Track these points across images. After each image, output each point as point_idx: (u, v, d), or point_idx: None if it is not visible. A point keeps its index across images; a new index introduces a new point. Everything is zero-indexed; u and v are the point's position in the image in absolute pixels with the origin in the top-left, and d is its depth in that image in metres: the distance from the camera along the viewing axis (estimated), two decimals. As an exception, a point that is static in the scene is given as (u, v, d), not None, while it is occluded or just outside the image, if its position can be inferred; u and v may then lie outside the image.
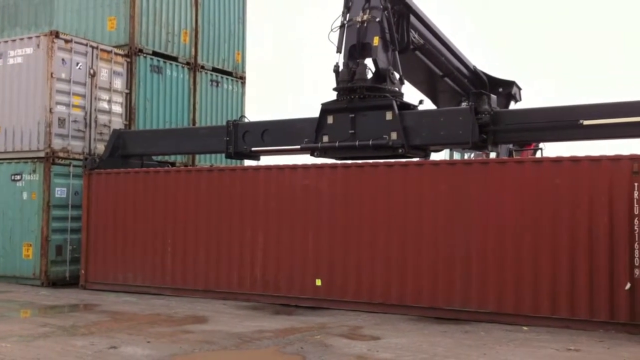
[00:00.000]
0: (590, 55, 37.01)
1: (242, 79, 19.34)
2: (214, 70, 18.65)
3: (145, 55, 16.96)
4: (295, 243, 12.72)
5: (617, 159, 10.44)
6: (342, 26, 12.73)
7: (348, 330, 10.20)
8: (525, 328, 10.40)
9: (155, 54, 17.20)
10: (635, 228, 10.08)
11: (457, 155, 17.79)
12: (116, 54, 16.29)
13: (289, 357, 8.53)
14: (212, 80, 18.53)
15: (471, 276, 11.21)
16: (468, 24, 41.51)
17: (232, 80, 19.09)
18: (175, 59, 17.69)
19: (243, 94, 19.24)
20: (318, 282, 12.40)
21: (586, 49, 39.46)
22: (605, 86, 35.14)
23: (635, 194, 10.12)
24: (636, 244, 10.05)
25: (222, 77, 18.84)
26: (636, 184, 10.12)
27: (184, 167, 16.71)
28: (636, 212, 10.09)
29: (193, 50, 18.12)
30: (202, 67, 18.28)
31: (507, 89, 14.97)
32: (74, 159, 15.45)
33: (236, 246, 13.29)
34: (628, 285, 10.09)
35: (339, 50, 12.67)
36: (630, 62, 38.18)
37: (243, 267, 13.19)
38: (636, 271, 10.03)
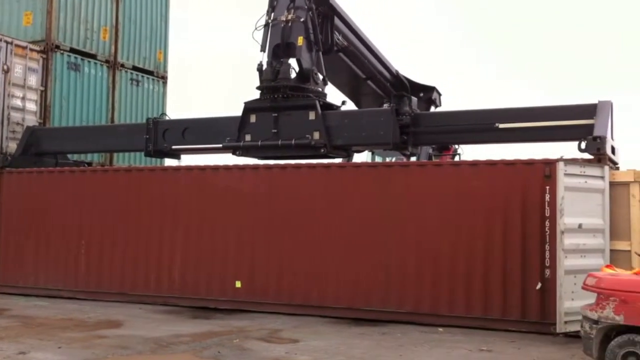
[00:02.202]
0: (588, 55, 37.97)
1: (164, 78, 18.96)
2: (135, 69, 18.22)
3: (62, 51, 16.43)
4: (215, 244, 12.53)
5: (530, 163, 10.75)
6: (266, 25, 12.65)
7: (267, 334, 10.12)
8: (440, 329, 10.56)
9: (73, 50, 16.69)
10: (547, 230, 10.38)
11: (378, 159, 17.99)
12: (31, 49, 15.67)
13: (206, 361, 8.38)
14: (132, 79, 18.09)
15: (390, 277, 11.32)
16: (466, 23, 42.27)
17: (153, 79, 18.68)
18: (94, 56, 17.19)
19: (164, 93, 18.86)
20: (238, 284, 12.26)
21: (583, 48, 40.39)
22: (603, 85, 36.28)
23: (547, 197, 10.42)
24: (547, 245, 10.35)
25: (142, 76, 18.41)
26: (548, 187, 10.42)
27: (100, 167, 16.26)
28: (547, 215, 10.39)
29: (113, 48, 17.65)
30: (122, 66, 17.82)
31: (428, 94, 15.22)
32: (-17, 157, 14.76)
33: (154, 248, 12.99)
34: (539, 285, 10.39)
35: (262, 49, 12.59)
36: (629, 62, 39.51)
37: (161, 270, 12.91)
38: (547, 271, 10.33)
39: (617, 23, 38.24)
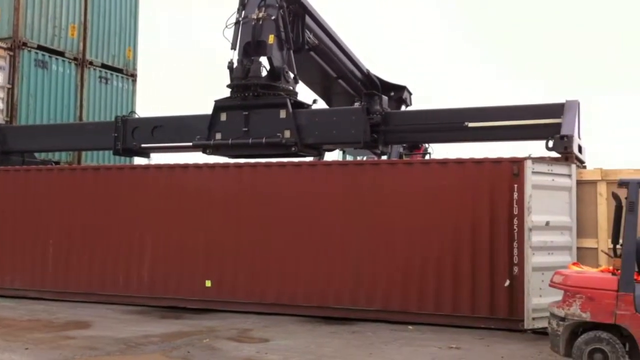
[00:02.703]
0: (587, 54, 38.13)
1: (134, 76, 18.75)
2: (104, 66, 17.99)
3: (29, 49, 16.18)
4: (185, 243, 12.44)
5: (499, 162, 10.85)
6: (237, 23, 12.61)
7: (237, 333, 10.07)
8: (410, 327, 10.61)
9: (40, 48, 16.43)
10: (515, 227, 10.48)
11: (349, 157, 18.03)
12: (-2, 47, 15.41)
13: (175, 362, 8.31)
14: (101, 77, 17.87)
15: (361, 275, 11.34)
16: (466, 22, 42.27)
17: (122, 77, 18.47)
18: (62, 54, 16.94)
19: (134, 91, 18.65)
20: (208, 283, 12.18)
21: (582, 48, 40.57)
22: (604, 85, 36.55)
23: (515, 195, 10.53)
24: (515, 243, 10.45)
25: (111, 74, 18.19)
26: (516, 186, 10.52)
27: (68, 166, 16.04)
28: (515, 213, 10.50)
29: (81, 45, 17.41)
30: (91, 63, 17.59)
31: (398, 93, 15.28)
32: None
33: (123, 248, 12.86)
34: (507, 282, 10.49)
35: (233, 47, 12.54)
36: (629, 61, 39.86)
37: (130, 269, 12.78)
38: (515, 269, 10.44)
39: (617, 22, 38.54)
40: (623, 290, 7.21)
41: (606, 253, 9.17)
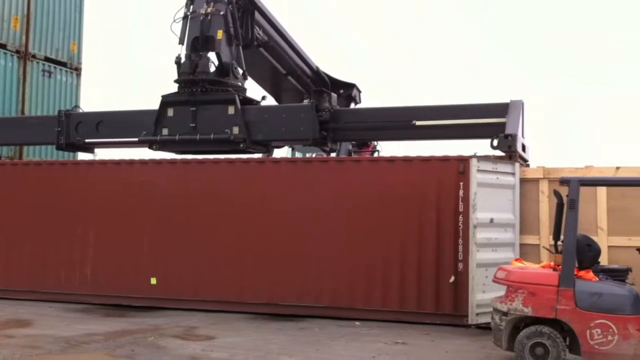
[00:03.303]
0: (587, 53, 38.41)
1: (78, 70, 18.29)
2: (47, 60, 17.48)
3: (-31, 41, 15.62)
4: (130, 240, 12.25)
5: (445, 159, 10.99)
6: (185, 17, 12.42)
7: (182, 331, 9.95)
8: (357, 323, 10.66)
9: (-19, 40, 15.89)
10: (460, 224, 10.63)
11: (298, 154, 18.01)
12: None
13: (118, 360, 8.16)
14: (44, 71, 17.37)
15: (308, 271, 11.35)
16: (465, 21, 42.24)
17: (66, 71, 18.01)
18: (3, 46, 16.38)
19: (78, 85, 18.19)
20: (153, 281, 12.02)
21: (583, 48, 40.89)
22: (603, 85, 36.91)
23: (461, 193, 10.68)
24: (460, 240, 10.60)
25: (55, 68, 17.72)
26: (461, 184, 10.67)
27: (9, 161, 15.56)
28: (461, 210, 10.65)
29: (24, 37, 16.87)
30: (34, 56, 17.07)
31: (348, 91, 15.30)
32: None
33: (65, 244, 12.59)
34: (452, 278, 10.63)
35: (181, 42, 12.35)
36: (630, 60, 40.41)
37: (72, 267, 12.52)
38: (460, 265, 10.59)
39: (617, 22, 39.23)
40: (563, 286, 7.40)
41: (547, 249, 9.41)
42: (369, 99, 15.96)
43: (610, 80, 38.81)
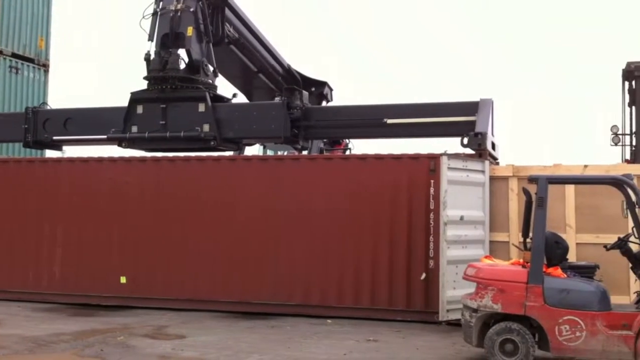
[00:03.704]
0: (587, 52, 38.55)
1: (46, 66, 17.97)
2: (14, 56, 17.14)
3: None
4: (99, 238, 12.12)
5: (416, 157, 11.04)
6: (154, 14, 12.30)
7: (152, 330, 9.87)
8: (329, 321, 10.68)
9: (-55, 35, 15.54)
10: (431, 222, 10.70)
11: (270, 152, 17.94)
12: None
13: (87, 360, 8.06)
14: (11, 67, 17.02)
15: (280, 269, 11.33)
16: (464, 20, 42.15)
17: (34, 67, 17.70)
18: (-31, 42, 16.09)
19: (46, 82, 17.88)
20: (123, 280, 11.90)
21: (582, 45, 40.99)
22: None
23: (432, 190, 10.74)
24: (431, 237, 10.67)
25: (22, 64, 17.39)
26: (432, 181, 10.73)
27: (-25, 158, 15.27)
28: (432, 207, 10.71)
29: (-10, 33, 16.57)
30: (0, 52, 16.74)
31: (319, 89, 15.25)
32: None
33: (32, 243, 12.43)
34: (423, 276, 10.70)
35: (150, 39, 12.22)
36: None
37: (40, 265, 12.36)
38: (430, 262, 10.65)
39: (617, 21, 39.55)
40: (532, 283, 7.48)
41: (517, 246, 9.51)
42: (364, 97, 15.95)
43: (580, 80, 39.41)
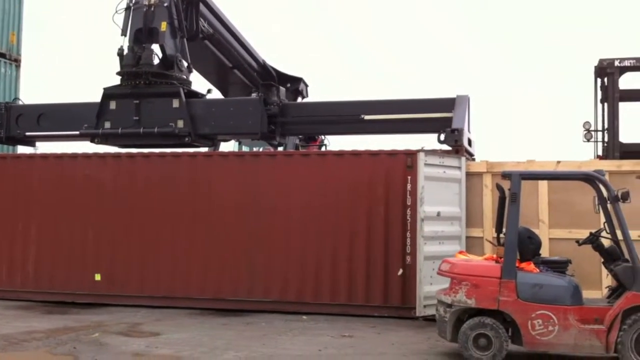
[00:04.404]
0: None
1: (17, 61, 17.71)
2: (-16, 51, 16.90)
3: None
4: (73, 235, 11.99)
5: (393, 154, 11.05)
6: (127, 8, 12.17)
7: (126, 328, 9.77)
8: (304, 317, 10.66)
9: None
10: (408, 218, 10.71)
11: (245, 148, 17.86)
12: None
13: (60, 358, 7.96)
14: (-18, 62, 16.77)
15: (257, 266, 11.28)
16: (464, 19, 42.06)
17: (5, 62, 17.44)
18: (-60, 37, 15.81)
19: (18, 77, 17.61)
20: (98, 277, 11.78)
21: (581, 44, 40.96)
22: None
23: (409, 186, 10.76)
24: (408, 233, 10.69)
25: (-7, 59, 17.12)
26: (409, 177, 10.76)
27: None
28: (409, 203, 10.73)
29: (-39, 28, 16.28)
30: (-29, 48, 16.49)
31: (295, 85, 15.19)
32: None
33: (5, 240, 12.26)
34: (400, 271, 10.72)
35: (123, 34, 12.10)
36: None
37: (13, 263, 12.20)
38: (407, 258, 10.67)
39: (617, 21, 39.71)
40: (506, 278, 7.53)
41: (490, 242, 9.55)
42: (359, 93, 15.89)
43: (556, 77, 39.75)
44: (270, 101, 12.56)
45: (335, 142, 16.35)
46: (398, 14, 42.75)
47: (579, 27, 39.03)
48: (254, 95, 13.52)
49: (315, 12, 44.08)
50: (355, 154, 11.28)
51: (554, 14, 40.56)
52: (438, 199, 10.46)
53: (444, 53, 42.09)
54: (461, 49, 42.02)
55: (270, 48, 37.68)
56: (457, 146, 10.96)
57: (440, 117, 11.72)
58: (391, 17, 42.63)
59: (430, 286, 10.03)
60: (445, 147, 11.08)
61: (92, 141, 12.46)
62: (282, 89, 13.52)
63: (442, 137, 11.05)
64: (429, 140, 13.64)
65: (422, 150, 10.55)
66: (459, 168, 10.85)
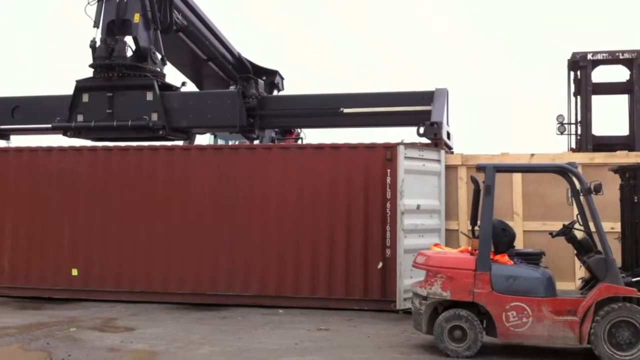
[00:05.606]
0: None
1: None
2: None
3: None
4: (49, 230, 11.85)
5: (372, 147, 11.00)
6: (100, 0, 12.01)
7: (101, 323, 9.68)
8: (281, 311, 10.60)
9: None
10: (388, 211, 10.67)
11: (221, 141, 17.71)
12: None
13: (33, 354, 7.87)
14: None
15: (235, 260, 11.21)
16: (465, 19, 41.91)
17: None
18: None
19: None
20: (74, 272, 11.65)
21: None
22: None
23: (388, 180, 10.71)
24: (388, 226, 10.64)
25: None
26: (389, 171, 10.70)
27: None
28: (388, 197, 10.68)
29: None
30: (-55, 39, 16.29)
31: (270, 78, 15.05)
32: None
33: (-21, 236, 12.06)
34: (380, 264, 10.68)
35: (96, 25, 11.96)
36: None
37: (-13, 259, 12.01)
38: (387, 251, 10.63)
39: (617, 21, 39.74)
40: (480, 270, 7.52)
41: (465, 234, 9.55)
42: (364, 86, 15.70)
43: (531, 70, 39.94)
44: (248, 94, 12.47)
45: (312, 136, 16.24)
46: (398, 14, 42.71)
47: (579, 27, 39.16)
48: (232, 88, 13.42)
49: (315, 12, 43.98)
50: (334, 147, 11.20)
51: (554, 13, 40.69)
52: (418, 192, 10.44)
53: (444, 53, 42.11)
54: (461, 49, 42.06)
55: (271, 48, 37.59)
56: (436, 139, 10.93)
57: (419, 110, 11.69)
58: (391, 17, 42.59)
59: (410, 279, 9.93)
60: (425, 140, 11.04)
61: (64, 134, 12.30)
62: (261, 81, 13.40)
63: (422, 130, 11.01)
64: (409, 134, 13.62)
65: (401, 143, 10.50)
66: (439, 161, 10.84)
